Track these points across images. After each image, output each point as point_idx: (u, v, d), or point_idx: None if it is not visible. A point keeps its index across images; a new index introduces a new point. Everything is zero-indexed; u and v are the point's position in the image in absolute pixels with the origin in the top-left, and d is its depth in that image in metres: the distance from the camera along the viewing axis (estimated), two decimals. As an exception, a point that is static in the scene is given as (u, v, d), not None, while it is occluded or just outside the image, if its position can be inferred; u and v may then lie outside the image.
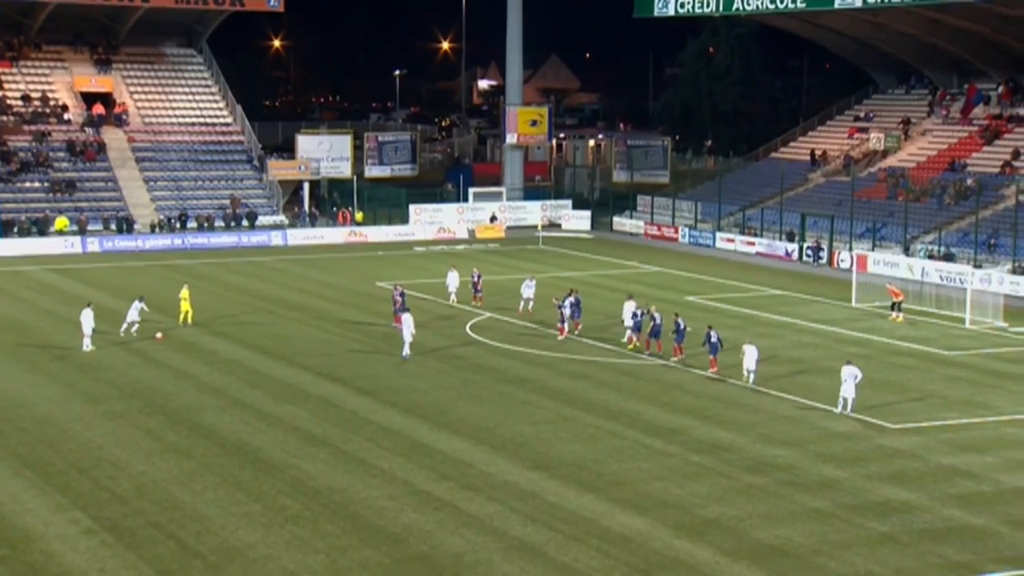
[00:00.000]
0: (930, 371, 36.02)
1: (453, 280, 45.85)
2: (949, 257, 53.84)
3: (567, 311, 39.62)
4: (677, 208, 70.91)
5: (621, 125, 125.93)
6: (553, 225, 71.80)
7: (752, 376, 33.57)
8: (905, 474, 25.77)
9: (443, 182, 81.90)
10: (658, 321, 36.91)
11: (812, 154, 73.14)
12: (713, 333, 34.80)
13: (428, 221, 69.81)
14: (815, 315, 44.85)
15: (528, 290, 43.01)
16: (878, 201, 63.64)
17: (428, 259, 59.90)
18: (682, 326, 36.22)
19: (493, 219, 70.78)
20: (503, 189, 75.62)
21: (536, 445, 27.60)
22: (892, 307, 44.10)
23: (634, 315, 38.00)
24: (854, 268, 49.62)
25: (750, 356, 33.64)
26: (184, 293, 40.86)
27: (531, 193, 77.55)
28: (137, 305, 38.67)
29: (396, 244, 64.93)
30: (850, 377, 30.37)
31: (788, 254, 60.86)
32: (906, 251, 56.73)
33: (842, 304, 47.07)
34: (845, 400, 30.46)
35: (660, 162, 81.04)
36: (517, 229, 70.46)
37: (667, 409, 30.93)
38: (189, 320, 40.21)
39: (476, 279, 45.91)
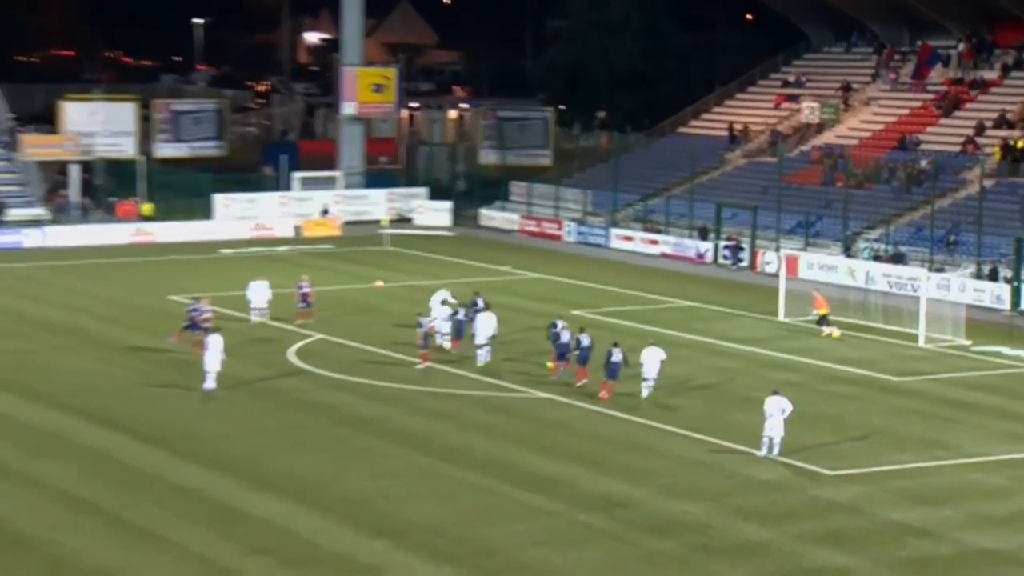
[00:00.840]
0: (876, 402, 37.08)
1: (259, 293, 45.37)
2: (899, 258, 55.63)
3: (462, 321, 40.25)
4: (561, 198, 71.65)
5: (490, 92, 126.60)
6: (403, 220, 71.72)
7: (649, 386, 34.90)
8: (845, 533, 26.37)
9: (259, 164, 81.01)
10: (585, 344, 37.01)
11: (730, 129, 74.82)
12: (616, 352, 35.22)
13: (240, 215, 69.00)
14: (734, 332, 45.75)
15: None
16: (812, 188, 65.40)
17: (240, 265, 59.09)
18: (585, 343, 36.88)
19: (325, 212, 70.41)
20: (338, 174, 75.25)
21: (381, 505, 27.45)
22: (819, 322, 45.31)
23: (556, 335, 38.27)
24: (782, 273, 50.71)
25: (652, 361, 34.77)
26: None
27: (375, 179, 77.39)
28: None
29: (197, 245, 64.01)
30: (776, 411, 31.05)
31: (700, 256, 62.05)
32: (847, 251, 58.33)
33: (767, 318, 48.14)
34: (770, 440, 31.11)
35: (540, 139, 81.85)
36: (357, 225, 70.13)
37: (549, 455, 31.09)
38: None
39: (303, 290, 45.53)
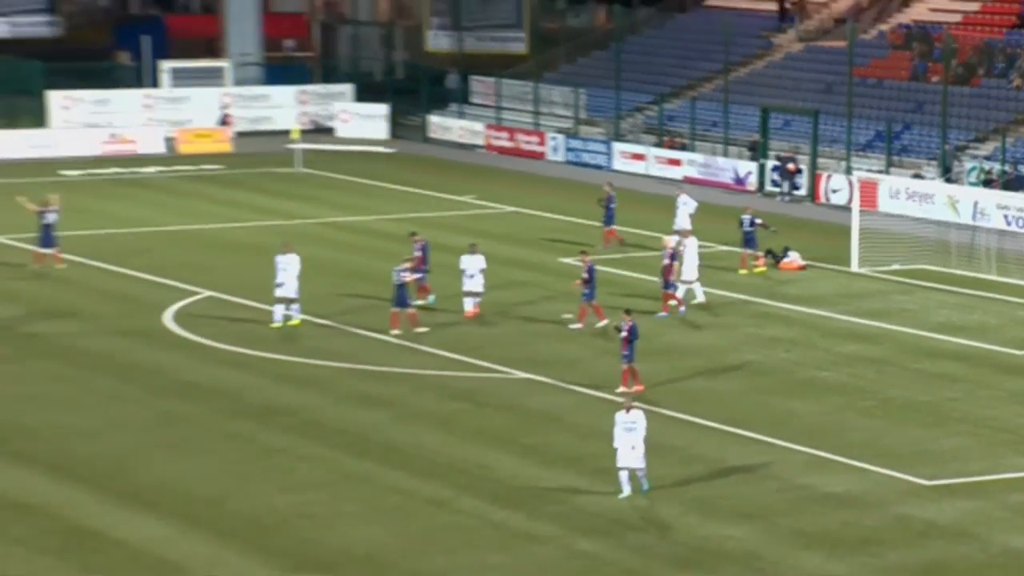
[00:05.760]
0: (989, 385, 37.46)
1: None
2: (1020, 183, 55.86)
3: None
4: (543, 99, 71.80)
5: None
6: (320, 131, 71.76)
7: (698, 291, 35.89)
8: (948, 567, 26.72)
9: (112, 49, 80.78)
10: None
11: (781, 1, 74.76)
12: (630, 324, 35.47)
13: (86, 122, 69.02)
14: (788, 289, 46.19)
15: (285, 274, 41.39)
16: (896, 84, 65.64)
17: (90, 191, 59.10)
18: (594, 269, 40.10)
19: (225, 121, 70.12)
20: (225, 64, 75.15)
21: (299, 528, 27.70)
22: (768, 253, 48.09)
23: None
24: (855, 204, 51.10)
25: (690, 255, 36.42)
26: None
27: (278, 72, 77.33)
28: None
29: (27, 165, 63.93)
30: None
31: (740, 180, 62.37)
32: (945, 173, 58.61)
33: (834, 268, 48.56)
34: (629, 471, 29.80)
35: (511, 16, 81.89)
36: (254, 137, 70.13)
37: (534, 458, 31.39)
38: None
39: (46, 220, 45.71)
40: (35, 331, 39.77)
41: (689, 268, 43.03)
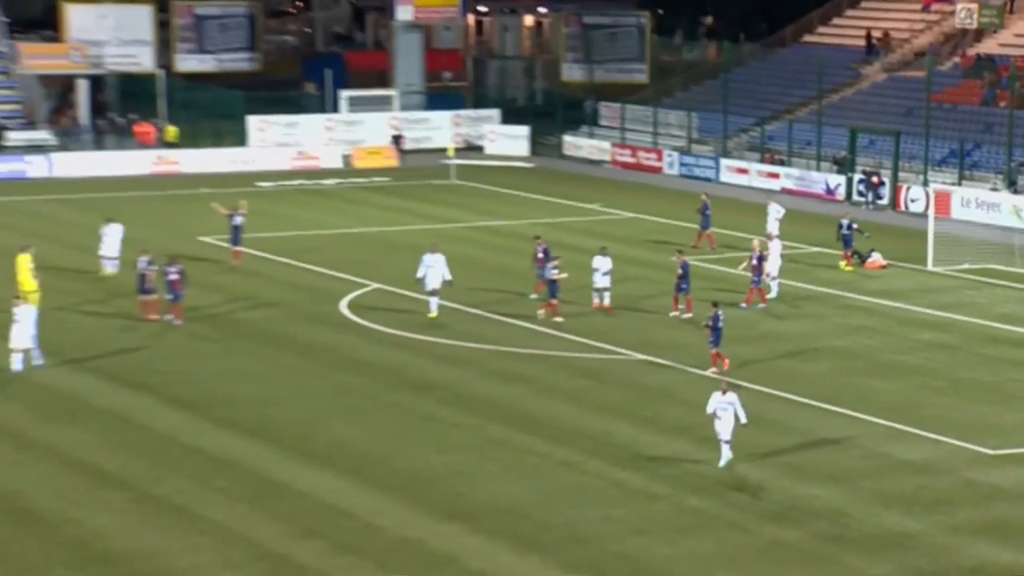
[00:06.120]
0: (1045, 368, 37.02)
1: (113, 239, 44.58)
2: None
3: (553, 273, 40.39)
4: (661, 122, 71.60)
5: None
6: (471, 149, 72.03)
7: (775, 287, 35.27)
8: (1011, 524, 26.41)
9: (300, 81, 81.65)
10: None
11: (867, 37, 74.17)
12: (720, 315, 35.32)
13: (279, 142, 69.72)
14: (871, 284, 45.72)
15: (433, 271, 40.63)
16: (968, 109, 64.83)
17: (280, 200, 59.74)
18: (688, 266, 40.29)
19: (397, 140, 70.63)
20: (393, 93, 75.67)
21: (451, 483, 27.85)
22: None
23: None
24: (931, 212, 50.59)
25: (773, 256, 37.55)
26: (22, 260, 39.27)
27: (437, 99, 77.74)
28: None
29: (229, 177, 64.75)
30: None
31: (831, 191, 61.86)
32: (1011, 185, 57.89)
33: (912, 267, 48.00)
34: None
35: (634, 51, 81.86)
36: (417, 155, 70.56)
37: (649, 428, 31.36)
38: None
39: (236, 222, 45.99)
40: (234, 316, 40.28)
41: (772, 267, 42.77)
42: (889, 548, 25.26)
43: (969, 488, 28.24)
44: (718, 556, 24.81)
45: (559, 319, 39.94)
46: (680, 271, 40.50)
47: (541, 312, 40.26)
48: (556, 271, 40.22)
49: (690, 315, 40.04)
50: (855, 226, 47.87)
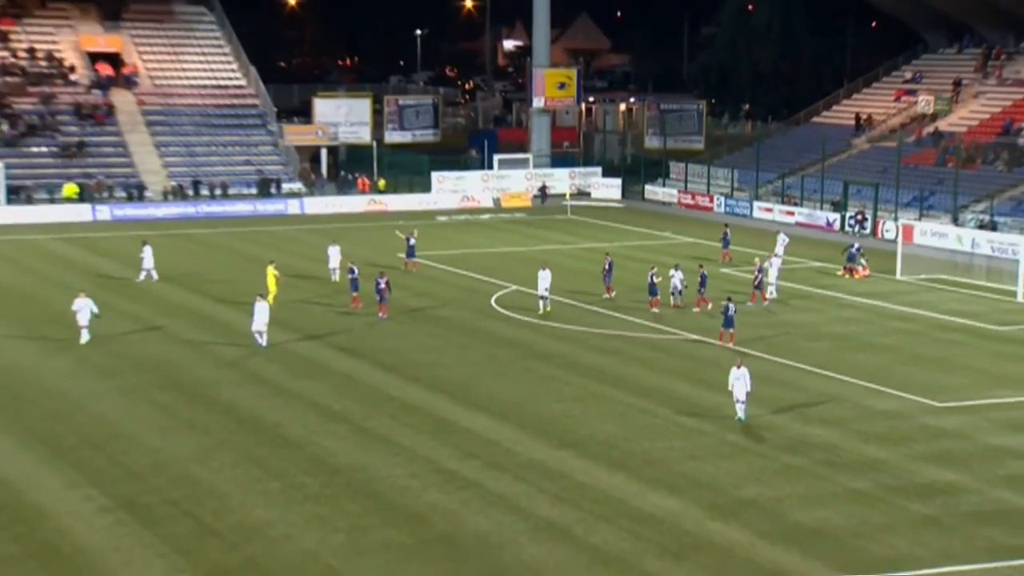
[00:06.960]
0: (979, 347, 36.00)
1: (335, 255, 44.31)
2: (994, 227, 53.48)
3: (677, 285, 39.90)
4: (712, 175, 70.78)
5: (653, 88, 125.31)
6: (582, 194, 71.84)
7: (772, 290, 35.50)
8: (952, 455, 25.88)
9: (466, 148, 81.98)
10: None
11: (857, 118, 72.80)
12: (731, 306, 34.95)
13: (451, 189, 70.04)
14: (858, 288, 44.86)
15: (544, 281, 39.78)
16: (926, 168, 63.36)
17: (451, 228, 60.14)
18: (706, 276, 39.67)
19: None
20: (530, 156, 75.70)
21: (564, 423, 27.85)
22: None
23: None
24: (899, 239, 49.51)
25: (773, 270, 37.06)
26: (270, 271, 39.54)
27: (559, 160, 77.60)
28: (147, 249, 43.41)
29: (418, 213, 65.16)
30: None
31: (830, 224, 60.72)
32: (955, 221, 56.47)
33: (886, 277, 47.01)
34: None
35: (694, 127, 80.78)
36: (545, 198, 70.49)
37: (701, 387, 31.09)
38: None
39: (411, 242, 46.10)
40: (413, 307, 40.45)
41: (772, 277, 41.89)
42: (867, 470, 24.84)
43: (923, 430, 27.67)
44: (747, 474, 24.58)
45: (656, 310, 39.50)
46: (699, 279, 39.81)
47: (655, 310, 39.14)
48: (656, 276, 39.48)
49: (697, 310, 39.19)
50: (860, 250, 47.09)
